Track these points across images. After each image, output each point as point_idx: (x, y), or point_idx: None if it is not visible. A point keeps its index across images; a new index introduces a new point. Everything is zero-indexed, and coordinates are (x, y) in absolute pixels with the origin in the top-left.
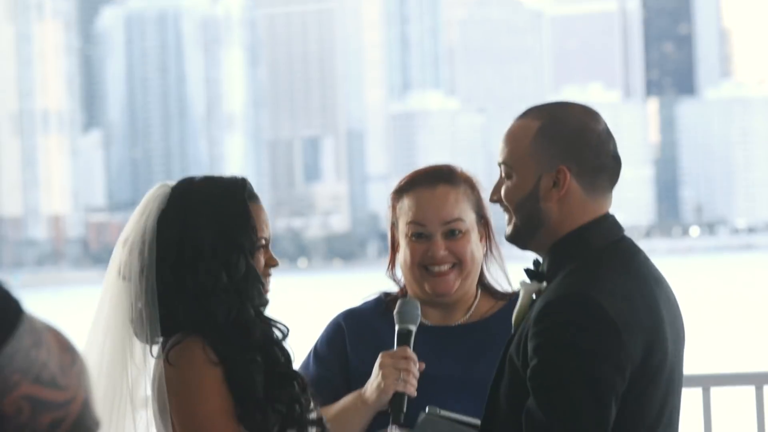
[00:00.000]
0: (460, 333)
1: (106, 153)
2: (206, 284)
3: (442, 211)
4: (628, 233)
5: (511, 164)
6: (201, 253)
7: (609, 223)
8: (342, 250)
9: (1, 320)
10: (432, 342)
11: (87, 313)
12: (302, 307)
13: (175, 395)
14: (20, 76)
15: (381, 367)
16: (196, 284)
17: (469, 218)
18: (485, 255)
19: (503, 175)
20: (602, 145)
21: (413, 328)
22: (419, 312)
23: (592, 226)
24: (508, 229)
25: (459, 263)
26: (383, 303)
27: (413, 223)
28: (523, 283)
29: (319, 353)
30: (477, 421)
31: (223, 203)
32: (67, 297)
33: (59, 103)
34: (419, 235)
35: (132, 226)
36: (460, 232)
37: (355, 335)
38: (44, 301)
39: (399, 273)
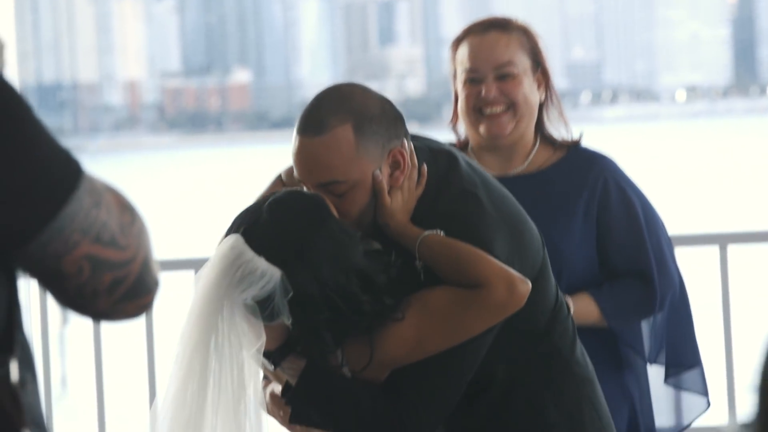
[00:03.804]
0: (517, 184)
1: (181, 17)
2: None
3: (493, 54)
4: (705, 94)
5: (345, 179)
6: (344, 293)
7: (431, 158)
8: (418, 113)
9: (61, 181)
10: None
11: (164, 175)
12: None
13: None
14: None
15: None
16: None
17: (522, 63)
18: (544, 104)
19: (337, 194)
20: (398, 111)
21: None
22: None
23: (433, 169)
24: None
25: (512, 105)
26: None
27: (467, 69)
28: None
29: None
30: None
31: (320, 244)
32: (144, 161)
33: None
34: (473, 80)
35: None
36: (512, 75)
37: None
38: (121, 166)
39: (461, 126)
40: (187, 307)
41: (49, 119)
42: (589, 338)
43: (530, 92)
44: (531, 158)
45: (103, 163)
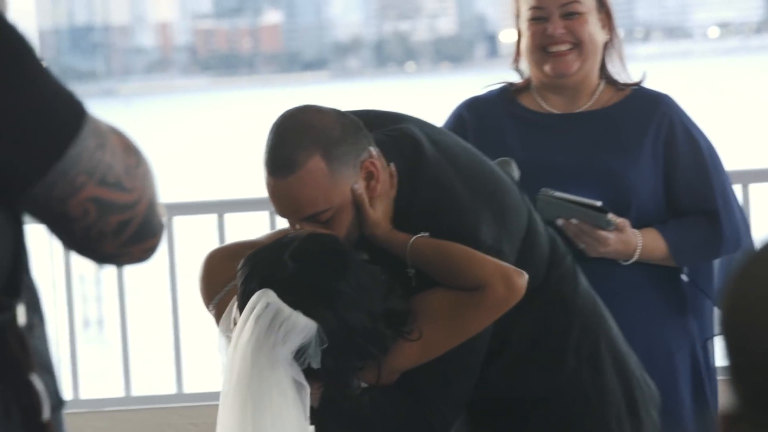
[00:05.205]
0: (582, 120)
1: None
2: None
3: None
4: (738, 30)
5: (328, 206)
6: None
7: (396, 149)
8: (449, 53)
9: (65, 123)
10: (554, 129)
11: (195, 118)
12: (412, 111)
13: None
14: None
15: None
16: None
17: (587, 1)
18: (607, 45)
19: (323, 221)
20: (355, 118)
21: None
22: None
23: (401, 162)
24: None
25: (578, 44)
26: (508, 92)
27: (532, 7)
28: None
29: None
30: (594, 202)
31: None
32: (177, 103)
33: None
34: (538, 18)
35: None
36: (578, 13)
37: (478, 128)
38: (155, 108)
39: (523, 65)
40: (227, 375)
41: (82, 62)
42: (653, 276)
43: (595, 31)
44: (595, 98)
45: (136, 106)
